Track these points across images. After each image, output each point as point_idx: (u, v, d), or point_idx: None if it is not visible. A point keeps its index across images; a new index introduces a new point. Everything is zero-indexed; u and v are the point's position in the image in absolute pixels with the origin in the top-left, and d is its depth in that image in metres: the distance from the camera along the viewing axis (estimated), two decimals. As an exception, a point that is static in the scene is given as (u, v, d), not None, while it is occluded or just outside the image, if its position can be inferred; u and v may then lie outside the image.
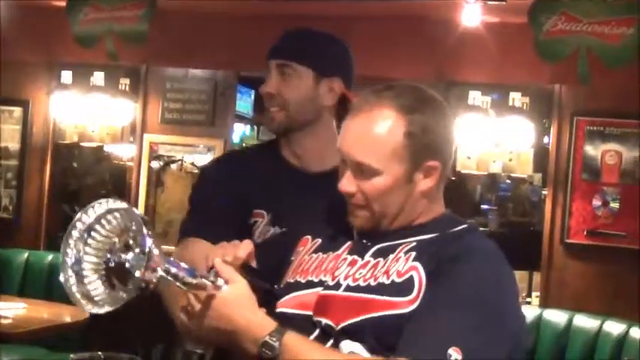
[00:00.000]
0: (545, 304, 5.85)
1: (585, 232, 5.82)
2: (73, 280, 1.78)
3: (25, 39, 6.68)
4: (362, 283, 1.90)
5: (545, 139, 6.55)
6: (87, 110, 6.72)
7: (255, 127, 12.80)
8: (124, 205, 1.78)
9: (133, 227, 1.73)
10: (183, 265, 1.79)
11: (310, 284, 1.98)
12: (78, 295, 1.77)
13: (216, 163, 2.86)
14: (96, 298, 1.76)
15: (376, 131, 1.91)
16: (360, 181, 1.94)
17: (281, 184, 2.53)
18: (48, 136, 6.91)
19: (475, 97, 6.17)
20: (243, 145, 11.70)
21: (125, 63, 6.37)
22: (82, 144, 7.27)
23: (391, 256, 1.91)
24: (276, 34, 6.78)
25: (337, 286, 1.93)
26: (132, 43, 5.25)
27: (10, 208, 6.92)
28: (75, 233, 1.79)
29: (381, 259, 1.92)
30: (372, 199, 1.93)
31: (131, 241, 1.72)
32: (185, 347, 2.38)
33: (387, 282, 1.87)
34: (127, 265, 1.72)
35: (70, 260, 1.79)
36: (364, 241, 1.98)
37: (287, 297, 1.96)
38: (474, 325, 1.77)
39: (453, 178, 6.10)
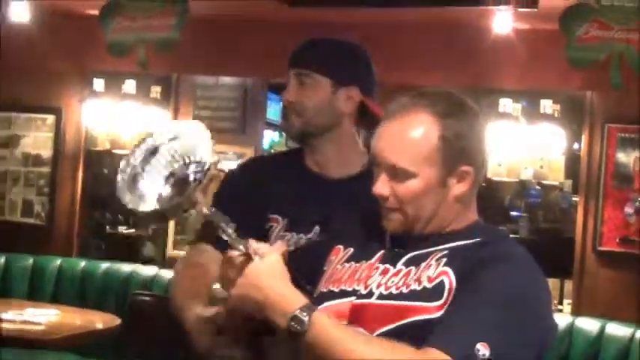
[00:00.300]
0: (577, 311, 5.82)
1: (617, 240, 5.78)
2: (127, 175, 1.80)
3: (57, 47, 6.73)
4: (394, 291, 1.91)
5: (576, 146, 6.53)
6: (118, 118, 6.77)
7: (284, 134, 12.86)
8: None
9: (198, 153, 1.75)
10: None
11: (344, 293, 1.99)
12: (127, 185, 1.80)
13: (239, 168, 2.89)
14: (144, 195, 1.78)
15: (411, 134, 1.94)
16: (394, 185, 1.95)
17: (300, 190, 2.56)
18: (80, 144, 6.95)
19: (506, 104, 6.17)
20: (272, 151, 11.77)
21: (156, 71, 6.41)
22: (113, 151, 7.32)
23: (423, 264, 1.92)
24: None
25: (370, 294, 1.94)
26: (163, 52, 5.27)
27: (42, 214, 6.97)
28: (143, 146, 1.81)
29: (413, 267, 1.93)
30: (405, 202, 1.95)
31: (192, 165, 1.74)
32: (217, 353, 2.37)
33: (419, 288, 1.89)
34: (185, 176, 1.75)
35: (133, 161, 1.80)
36: (396, 249, 1.99)
37: (321, 307, 1.96)
38: (504, 323, 1.79)
39: (483, 185, 6.09)
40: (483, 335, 1.75)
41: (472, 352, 1.73)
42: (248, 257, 1.86)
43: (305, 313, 1.79)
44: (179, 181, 1.75)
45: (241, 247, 1.86)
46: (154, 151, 1.81)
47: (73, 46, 6.77)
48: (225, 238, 1.85)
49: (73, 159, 6.96)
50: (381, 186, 1.97)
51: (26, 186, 7.02)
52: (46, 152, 6.98)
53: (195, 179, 1.72)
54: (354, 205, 2.24)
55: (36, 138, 7.01)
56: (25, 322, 5.07)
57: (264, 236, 2.43)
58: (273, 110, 9.38)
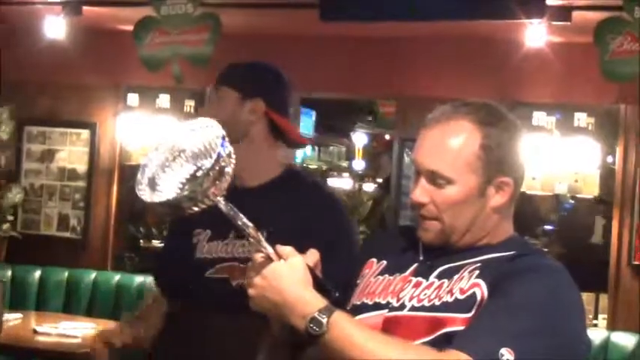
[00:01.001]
0: (612, 326, 5.77)
1: (653, 254, 5.73)
2: (148, 166, 1.83)
3: (92, 63, 6.79)
4: (426, 303, 1.91)
5: (611, 159, 6.48)
6: (152, 132, 6.81)
7: (317, 148, 12.87)
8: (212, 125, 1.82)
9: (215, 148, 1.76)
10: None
11: (377, 306, 1.99)
12: (145, 179, 1.81)
13: None
14: (159, 186, 1.79)
15: (452, 141, 1.94)
16: (433, 192, 1.95)
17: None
18: (114, 158, 6.99)
19: (540, 117, 6.13)
20: (304, 165, 11.79)
21: (190, 85, 6.44)
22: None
23: (455, 276, 1.92)
24: (340, 55, 6.84)
25: (402, 307, 1.94)
26: (197, 66, 5.31)
27: (78, 228, 7.02)
28: (162, 144, 1.84)
29: (445, 280, 1.92)
30: (443, 209, 1.94)
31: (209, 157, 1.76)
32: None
33: (451, 300, 1.88)
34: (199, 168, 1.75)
35: (155, 157, 1.83)
36: (429, 262, 1.98)
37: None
38: (531, 330, 1.77)
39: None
40: (508, 340, 1.74)
41: (496, 356, 1.72)
42: (269, 259, 1.85)
43: (324, 315, 1.77)
44: (194, 174, 1.76)
45: (263, 248, 1.85)
46: (172, 149, 1.82)
47: (107, 61, 6.83)
48: (249, 239, 1.84)
49: (107, 173, 7.00)
50: (420, 193, 1.97)
51: (62, 200, 7.08)
52: (82, 166, 7.04)
53: (206, 170, 1.73)
54: (266, 211, 2.49)
55: (71, 152, 7.07)
56: (60, 335, 5.11)
57: (192, 250, 2.82)
58: (306, 125, 9.41)
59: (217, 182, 1.75)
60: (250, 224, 1.84)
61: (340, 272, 2.20)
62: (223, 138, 1.77)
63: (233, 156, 1.79)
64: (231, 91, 2.87)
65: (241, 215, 1.83)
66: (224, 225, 2.71)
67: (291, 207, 2.77)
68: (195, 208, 1.78)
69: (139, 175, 1.83)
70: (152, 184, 1.79)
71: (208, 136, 1.78)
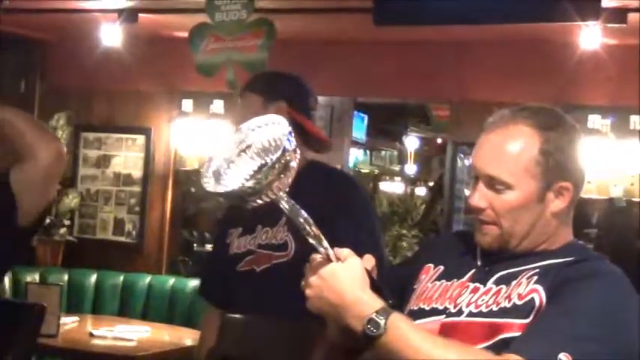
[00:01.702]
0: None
1: None
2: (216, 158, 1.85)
3: (147, 69, 6.86)
4: (484, 309, 1.90)
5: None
6: (206, 138, 6.85)
7: (369, 152, 12.85)
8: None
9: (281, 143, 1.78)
10: None
11: (434, 312, 1.98)
12: (210, 172, 1.83)
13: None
14: (224, 179, 1.80)
15: (511, 146, 1.92)
16: (491, 197, 1.94)
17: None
18: (169, 163, 7.06)
19: (595, 120, 6.07)
20: (357, 169, 11.79)
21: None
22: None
23: (514, 282, 1.90)
24: (393, 59, 6.83)
25: (459, 312, 1.93)
26: (251, 72, 5.34)
27: (133, 233, 7.09)
28: (230, 139, 1.86)
29: (503, 286, 1.91)
30: (502, 215, 1.93)
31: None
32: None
33: (509, 305, 1.87)
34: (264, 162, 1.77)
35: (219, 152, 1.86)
36: (487, 268, 1.97)
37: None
38: (590, 336, 1.76)
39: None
40: (567, 346, 1.72)
41: None
42: (327, 260, 1.83)
43: (381, 317, 1.75)
44: (259, 168, 1.77)
45: (322, 249, 1.83)
46: (240, 144, 1.84)
47: (162, 68, 6.90)
48: (307, 238, 1.84)
49: (162, 178, 7.06)
50: (478, 198, 1.95)
51: (117, 205, 7.16)
52: (137, 172, 7.11)
53: (271, 163, 1.74)
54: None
55: (127, 158, 7.14)
56: (116, 338, 5.16)
57: (228, 249, 3.05)
58: (358, 129, 9.41)
59: (281, 176, 1.76)
60: (312, 221, 1.83)
61: (370, 245, 2.33)
62: (290, 133, 1.77)
63: (298, 151, 1.80)
64: (255, 96, 3.04)
65: (303, 212, 1.83)
66: (253, 220, 2.94)
67: (317, 194, 2.81)
68: (259, 201, 1.78)
69: (204, 168, 1.85)
70: (217, 177, 1.81)
71: (276, 132, 1.79)
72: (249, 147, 1.81)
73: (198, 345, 3.26)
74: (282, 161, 1.75)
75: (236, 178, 1.77)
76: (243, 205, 1.80)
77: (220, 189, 1.79)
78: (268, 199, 1.78)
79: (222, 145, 1.86)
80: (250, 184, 1.74)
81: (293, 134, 1.78)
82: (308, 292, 1.85)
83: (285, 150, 1.75)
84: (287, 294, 2.83)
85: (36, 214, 2.83)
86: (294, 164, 1.78)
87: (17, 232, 2.80)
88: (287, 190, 1.80)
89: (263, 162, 1.76)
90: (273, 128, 1.81)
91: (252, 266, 2.96)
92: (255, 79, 3.19)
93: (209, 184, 1.81)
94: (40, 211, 2.86)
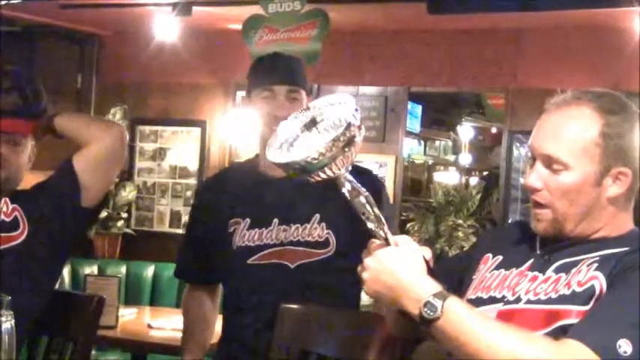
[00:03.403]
0: None
1: None
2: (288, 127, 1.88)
3: (202, 61, 6.90)
4: (543, 297, 1.89)
5: None
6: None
7: (423, 142, 12.81)
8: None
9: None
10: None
11: (492, 300, 1.97)
12: (277, 144, 1.86)
13: (196, 195, 3.60)
14: (289, 151, 1.82)
15: (571, 126, 1.91)
16: (548, 178, 1.93)
17: (254, 192, 2.98)
18: (224, 155, 7.09)
19: (653, 107, 5.99)
20: (411, 160, 11.75)
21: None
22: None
23: (573, 270, 1.89)
24: (446, 49, 6.78)
25: (517, 300, 1.92)
26: (306, 63, 5.34)
27: (190, 225, 7.13)
28: (300, 116, 1.89)
29: (563, 274, 1.90)
30: (557, 196, 1.92)
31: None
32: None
33: (568, 292, 1.86)
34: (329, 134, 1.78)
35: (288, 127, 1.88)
36: (546, 257, 1.96)
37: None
38: None
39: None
40: (627, 332, 1.70)
41: (614, 347, 1.68)
42: (385, 244, 1.84)
43: (438, 299, 1.76)
44: (324, 142, 1.78)
45: (382, 232, 1.84)
46: (308, 120, 1.86)
47: (217, 60, 6.93)
48: (366, 222, 1.83)
49: (217, 170, 7.08)
50: (535, 178, 1.94)
51: (174, 197, 7.21)
52: (192, 164, 7.15)
53: (336, 136, 1.75)
54: (299, 196, 2.86)
55: (182, 150, 7.20)
56: (174, 329, 5.18)
57: (228, 240, 2.96)
58: (413, 119, 9.38)
59: (345, 150, 1.76)
60: (373, 202, 1.83)
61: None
62: (356, 110, 1.79)
63: (363, 128, 1.80)
64: (303, 93, 2.99)
65: (365, 191, 1.83)
66: (265, 214, 2.93)
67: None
68: (322, 175, 1.79)
69: (270, 140, 1.87)
70: (282, 149, 1.83)
71: (344, 110, 1.80)
72: (316, 123, 1.83)
73: (186, 329, 3.16)
74: (347, 134, 1.76)
75: (301, 150, 1.79)
76: (306, 179, 1.80)
77: (284, 159, 1.80)
78: (332, 174, 1.79)
79: (289, 122, 1.88)
80: (315, 154, 1.75)
81: (359, 111, 1.79)
82: (365, 275, 1.85)
83: (350, 124, 1.75)
84: (328, 289, 2.89)
85: (99, 195, 2.89)
86: (358, 140, 1.79)
87: (81, 213, 2.85)
88: (349, 168, 1.80)
89: (329, 135, 1.76)
90: (342, 107, 1.82)
91: (281, 261, 2.92)
92: (300, 73, 3.06)
93: (274, 155, 1.83)
94: (103, 194, 2.92)
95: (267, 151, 1.86)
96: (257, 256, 2.95)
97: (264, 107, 2.95)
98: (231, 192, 3.05)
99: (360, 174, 3.02)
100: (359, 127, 1.78)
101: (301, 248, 2.93)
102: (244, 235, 2.96)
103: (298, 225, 2.93)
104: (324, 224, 2.91)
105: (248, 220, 2.96)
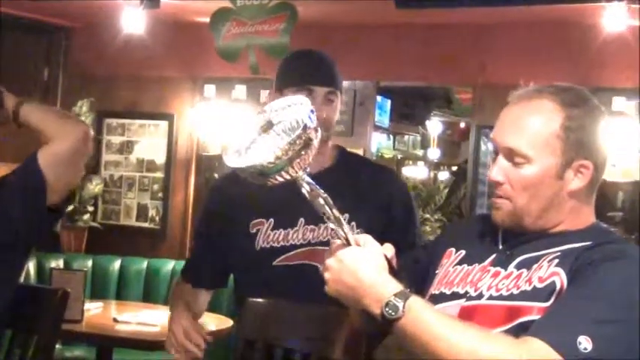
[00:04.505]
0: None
1: None
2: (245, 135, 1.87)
3: (169, 55, 6.88)
4: (504, 293, 1.90)
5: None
6: (229, 123, 6.85)
7: (392, 137, 12.83)
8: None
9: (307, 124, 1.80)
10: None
11: (455, 296, 1.98)
12: (234, 148, 1.85)
13: (209, 192, 3.35)
14: (246, 155, 1.82)
15: (533, 119, 1.92)
16: (510, 171, 1.93)
17: (279, 191, 2.64)
18: (192, 149, 7.07)
19: (619, 102, 6.02)
20: (379, 154, 11.76)
21: (266, 76, 6.47)
22: (223, 156, 7.38)
23: (535, 266, 1.89)
24: (416, 43, 6.78)
25: (480, 296, 1.93)
26: (273, 56, 5.33)
27: (156, 218, 7.11)
28: (259, 117, 1.89)
29: (524, 270, 1.91)
30: (518, 189, 1.93)
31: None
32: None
33: (529, 288, 1.86)
34: (284, 138, 1.79)
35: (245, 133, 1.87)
36: (508, 252, 1.96)
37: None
38: (610, 319, 1.74)
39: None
40: (587, 329, 1.71)
41: (574, 344, 1.69)
42: (347, 244, 1.85)
43: (400, 299, 1.76)
44: (281, 144, 1.78)
45: (342, 232, 1.85)
46: (265, 122, 1.85)
47: (184, 53, 6.91)
48: (327, 222, 1.84)
49: (185, 164, 7.08)
50: (497, 171, 1.95)
51: (140, 191, 7.18)
52: (160, 158, 7.13)
53: (292, 139, 1.75)
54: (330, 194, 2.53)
55: (150, 144, 7.17)
56: (140, 323, 5.17)
57: (251, 241, 2.85)
58: (382, 113, 9.38)
59: (302, 153, 1.77)
60: (332, 203, 1.85)
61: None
62: (312, 112, 1.80)
63: (319, 130, 1.80)
64: (339, 93, 2.92)
65: (323, 193, 1.84)
66: (290, 213, 2.81)
67: (356, 185, 2.88)
68: (279, 178, 1.79)
69: (228, 145, 1.87)
70: (240, 153, 1.83)
71: (300, 112, 1.80)
72: (272, 126, 1.83)
73: (171, 323, 3.02)
74: (304, 138, 1.76)
75: (258, 153, 1.78)
76: (264, 182, 1.80)
77: (241, 163, 1.80)
78: (290, 177, 1.79)
79: (246, 126, 1.87)
80: (271, 158, 1.75)
81: (315, 113, 1.79)
82: (326, 275, 1.87)
83: (306, 127, 1.75)
84: None
85: (64, 192, 2.86)
86: (315, 142, 1.79)
87: (45, 209, 2.83)
88: (307, 169, 1.80)
89: (285, 138, 1.76)
90: (299, 109, 1.82)
91: (309, 262, 2.81)
92: (336, 74, 2.93)
93: (231, 159, 1.82)
94: (68, 190, 2.89)
95: (224, 155, 1.85)
96: (283, 257, 2.85)
97: None
98: (252, 191, 2.88)
99: (389, 183, 3.02)
100: (315, 129, 1.79)
101: (320, 248, 2.80)
102: (268, 235, 2.86)
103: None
104: (354, 224, 2.69)
105: (272, 220, 2.86)
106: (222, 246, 2.98)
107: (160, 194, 7.10)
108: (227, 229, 2.94)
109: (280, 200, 2.74)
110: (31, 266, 6.34)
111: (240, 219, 2.90)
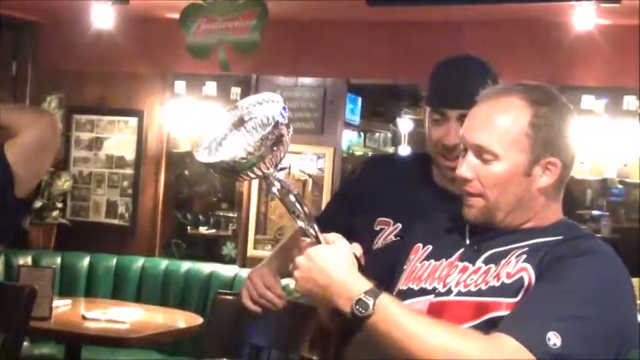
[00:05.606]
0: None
1: None
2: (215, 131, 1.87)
3: (139, 51, 6.83)
4: (473, 288, 1.90)
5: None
6: (199, 119, 6.84)
7: (363, 134, 12.84)
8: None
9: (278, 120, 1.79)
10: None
11: (423, 292, 1.98)
12: (205, 144, 1.85)
13: (363, 164, 2.94)
14: (217, 151, 1.82)
15: (501, 116, 1.93)
16: (479, 168, 1.94)
17: (420, 200, 2.53)
18: (162, 145, 7.04)
19: (588, 101, 6.07)
20: (350, 151, 11.78)
21: (236, 72, 6.47)
22: (194, 153, 7.37)
23: (502, 261, 1.90)
24: (386, 40, 6.79)
25: (448, 292, 1.93)
26: (243, 53, 5.32)
27: (126, 215, 7.08)
28: (227, 116, 1.88)
29: (492, 265, 1.91)
30: (488, 186, 1.94)
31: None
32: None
33: (497, 284, 1.87)
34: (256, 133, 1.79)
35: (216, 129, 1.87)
36: (475, 247, 1.97)
37: (400, 305, 1.97)
38: (579, 314, 1.76)
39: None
40: (555, 324, 1.72)
41: (543, 340, 1.70)
42: (316, 243, 1.85)
43: (370, 297, 1.77)
44: (253, 141, 1.78)
45: (311, 231, 1.85)
46: (237, 119, 1.85)
47: (154, 49, 6.87)
48: (296, 220, 1.84)
49: (155, 161, 7.05)
50: (465, 168, 1.96)
51: (110, 187, 7.14)
52: (129, 154, 7.09)
53: (264, 135, 1.75)
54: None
55: (119, 140, 7.12)
56: (109, 320, 5.15)
57: (370, 237, 2.54)
58: (352, 111, 9.38)
59: (274, 149, 1.77)
60: (303, 201, 1.85)
61: None
62: (284, 109, 1.80)
63: (291, 127, 1.80)
64: None
65: (294, 190, 1.84)
66: (404, 215, 2.52)
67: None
68: (250, 175, 1.79)
69: (199, 142, 1.86)
70: (211, 150, 1.83)
71: (272, 108, 1.80)
72: (244, 123, 1.83)
73: (252, 275, 2.70)
74: (276, 133, 1.76)
75: (229, 150, 1.78)
76: (234, 179, 1.80)
77: (212, 159, 1.80)
78: (261, 173, 1.79)
79: (218, 122, 1.87)
80: (243, 154, 1.75)
81: (287, 110, 1.79)
82: (296, 273, 1.86)
83: (278, 123, 1.75)
84: None
85: (32, 185, 2.85)
86: (287, 139, 1.78)
87: (14, 203, 2.81)
88: (279, 166, 1.80)
89: (256, 135, 1.76)
90: (271, 106, 1.82)
91: None
92: (474, 93, 2.31)
93: (201, 156, 1.82)
94: (36, 183, 2.88)
95: (195, 151, 1.85)
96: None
97: (432, 132, 2.52)
98: (395, 186, 2.64)
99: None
100: (287, 126, 1.79)
101: None
102: (389, 239, 2.57)
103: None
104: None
105: (399, 225, 2.56)
106: (350, 222, 2.62)
107: (130, 191, 7.07)
108: (358, 205, 2.67)
109: (418, 210, 2.39)
110: (-2, 263, 6.31)
111: (372, 205, 2.63)
